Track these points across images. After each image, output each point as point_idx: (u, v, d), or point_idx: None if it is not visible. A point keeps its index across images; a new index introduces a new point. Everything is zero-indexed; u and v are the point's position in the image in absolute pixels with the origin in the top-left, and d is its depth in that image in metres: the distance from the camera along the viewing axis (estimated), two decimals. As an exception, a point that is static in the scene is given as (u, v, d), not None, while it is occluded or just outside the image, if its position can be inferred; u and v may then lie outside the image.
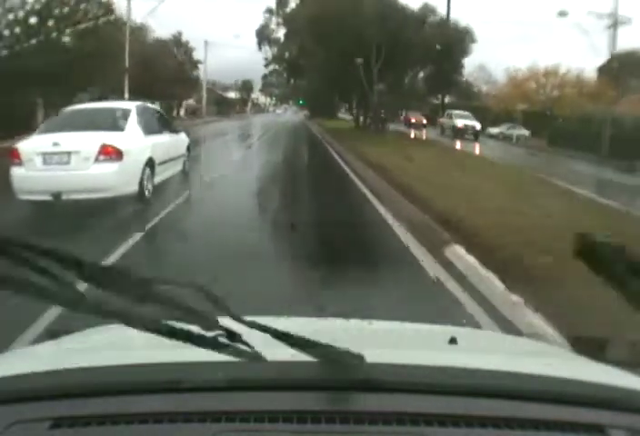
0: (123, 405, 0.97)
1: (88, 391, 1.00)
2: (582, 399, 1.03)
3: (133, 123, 8.50)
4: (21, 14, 19.74)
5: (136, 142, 8.32)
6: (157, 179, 8.99)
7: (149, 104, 9.94)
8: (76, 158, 7.59)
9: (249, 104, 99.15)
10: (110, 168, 7.61)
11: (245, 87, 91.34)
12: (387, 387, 1.01)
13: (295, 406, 0.97)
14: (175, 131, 10.53)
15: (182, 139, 10.96)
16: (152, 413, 0.96)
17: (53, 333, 1.61)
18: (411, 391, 1.01)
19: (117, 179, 7.66)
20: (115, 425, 0.93)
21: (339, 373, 1.00)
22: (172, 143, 10.01)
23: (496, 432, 0.95)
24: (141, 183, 8.16)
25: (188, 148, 11.42)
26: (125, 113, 8.61)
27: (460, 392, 1.02)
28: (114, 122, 8.36)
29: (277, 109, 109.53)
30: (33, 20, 19.85)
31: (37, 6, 20.03)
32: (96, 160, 7.60)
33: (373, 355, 1.03)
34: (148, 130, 8.87)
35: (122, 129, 8.24)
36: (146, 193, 8.39)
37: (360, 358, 1.00)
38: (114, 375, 1.04)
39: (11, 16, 19.63)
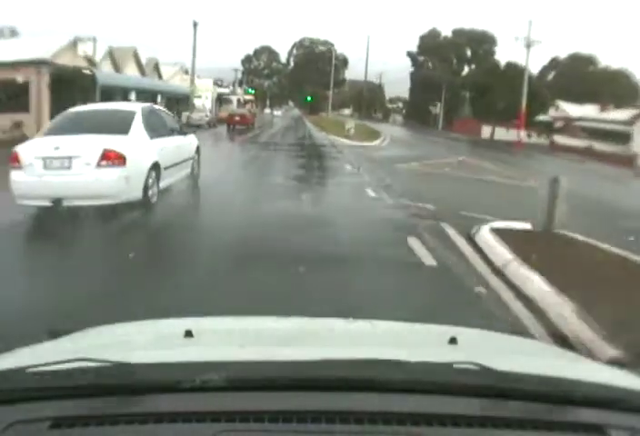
0: (123, 405, 0.97)
1: (88, 391, 1.00)
2: (582, 399, 1.02)
3: (137, 125, 8.11)
4: None
5: (141, 146, 7.94)
6: (164, 183, 8.62)
7: (156, 106, 9.50)
8: (78, 163, 7.23)
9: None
10: (112, 174, 7.24)
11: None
12: (387, 387, 1.01)
13: (296, 406, 0.97)
14: (183, 133, 10.17)
15: (190, 141, 10.58)
16: (152, 413, 0.96)
17: (53, 333, 1.57)
18: (411, 390, 1.01)
19: (120, 185, 7.29)
20: (115, 425, 0.94)
21: (339, 373, 1.01)
22: (180, 145, 9.62)
23: (496, 432, 0.94)
24: (145, 190, 7.77)
25: (198, 150, 11.07)
26: (130, 116, 8.21)
27: (460, 392, 1.02)
28: (117, 125, 7.95)
29: (275, 110, 77.88)
30: None
31: None
32: (98, 165, 7.23)
33: (372, 355, 1.04)
34: (154, 133, 8.48)
35: (126, 132, 7.85)
36: (151, 198, 8.03)
37: (359, 358, 1.02)
38: (114, 375, 1.03)
39: None
